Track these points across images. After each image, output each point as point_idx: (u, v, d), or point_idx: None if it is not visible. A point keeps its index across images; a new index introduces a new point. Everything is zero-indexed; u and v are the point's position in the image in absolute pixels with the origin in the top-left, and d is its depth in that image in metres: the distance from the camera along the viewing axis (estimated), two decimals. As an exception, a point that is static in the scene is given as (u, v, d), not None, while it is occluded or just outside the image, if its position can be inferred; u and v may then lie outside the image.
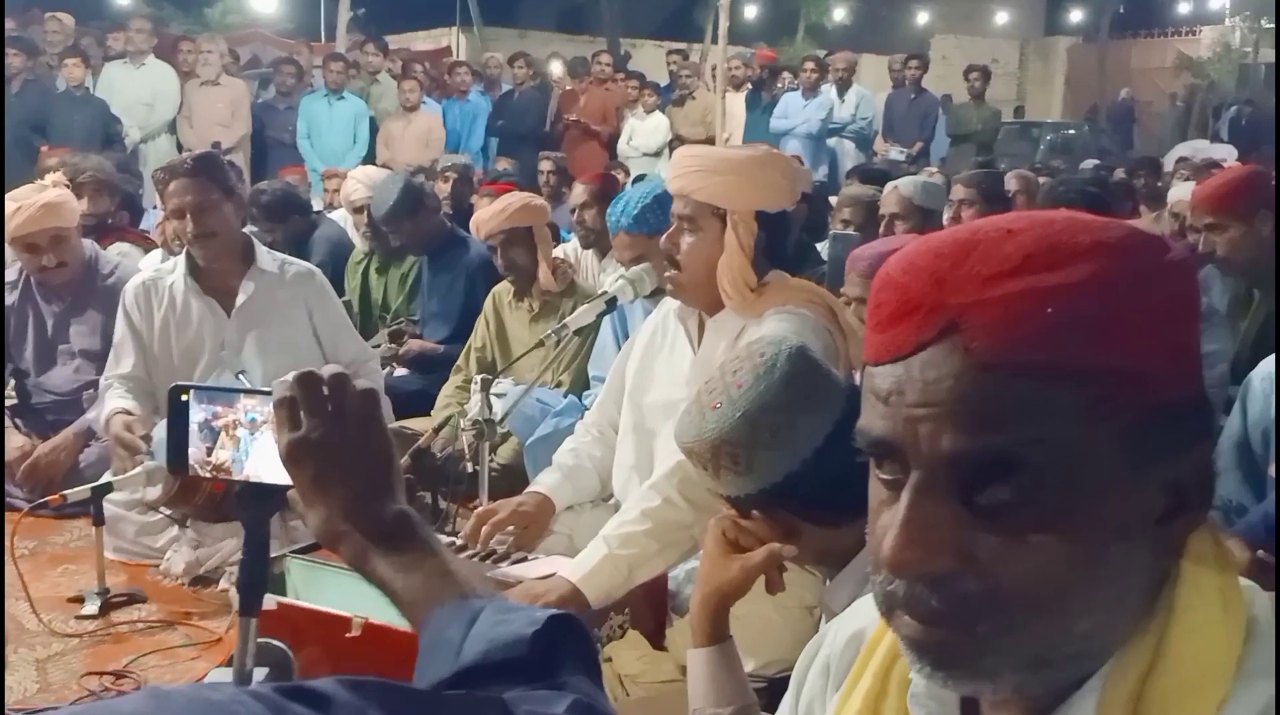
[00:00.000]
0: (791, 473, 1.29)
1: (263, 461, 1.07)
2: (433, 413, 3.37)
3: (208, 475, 1.10)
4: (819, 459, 1.29)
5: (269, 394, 1.00)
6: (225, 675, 1.17)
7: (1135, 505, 0.67)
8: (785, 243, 2.22)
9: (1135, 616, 0.70)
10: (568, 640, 0.84)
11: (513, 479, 2.88)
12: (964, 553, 0.67)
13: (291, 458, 0.94)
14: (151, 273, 3.10)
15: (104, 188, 4.07)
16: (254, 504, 1.10)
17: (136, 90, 7.51)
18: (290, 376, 0.96)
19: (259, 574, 1.13)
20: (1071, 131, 14.32)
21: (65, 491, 2.58)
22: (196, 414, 1.10)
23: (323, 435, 0.94)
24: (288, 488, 0.98)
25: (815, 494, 1.29)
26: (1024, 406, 0.64)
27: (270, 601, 1.94)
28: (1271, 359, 2.23)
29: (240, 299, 2.97)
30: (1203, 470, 0.69)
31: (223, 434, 1.09)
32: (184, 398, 1.10)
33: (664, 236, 2.16)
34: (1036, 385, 0.64)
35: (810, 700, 0.95)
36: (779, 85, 9.02)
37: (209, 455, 1.10)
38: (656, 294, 2.44)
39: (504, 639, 0.81)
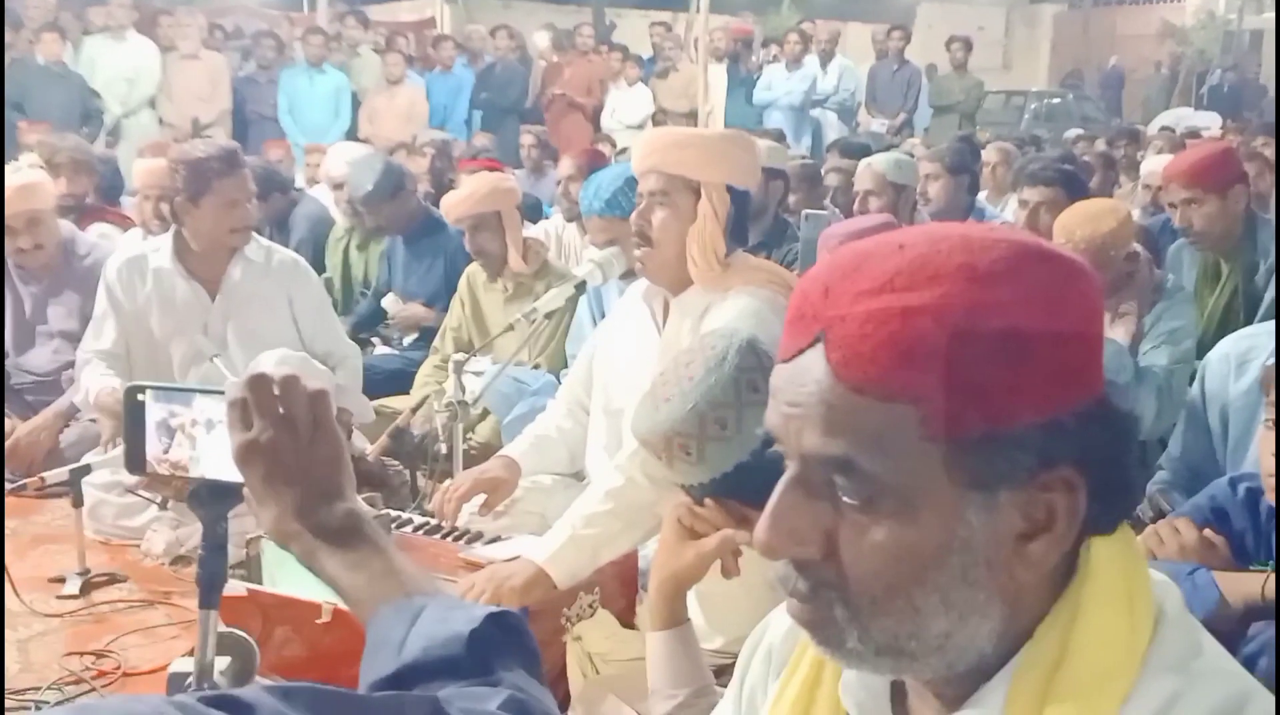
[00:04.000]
0: (742, 463, 1.33)
1: (218, 460, 1.09)
2: (411, 392, 3.39)
3: (165, 473, 1.13)
4: (767, 450, 1.32)
5: (223, 394, 1.02)
6: (188, 665, 1.20)
7: (982, 521, 0.70)
8: (748, 225, 2.26)
9: (1017, 618, 0.73)
10: (506, 637, 0.87)
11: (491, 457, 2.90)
12: (826, 543, 0.72)
13: (243, 458, 0.97)
14: (136, 250, 3.10)
15: (81, 167, 4.05)
16: (210, 501, 1.13)
17: (117, 65, 7.43)
18: (241, 378, 0.98)
19: (218, 568, 1.16)
20: (1056, 100, 14.26)
21: (44, 474, 2.59)
22: (154, 413, 1.12)
23: (272, 437, 0.96)
24: (243, 485, 1.00)
25: (765, 483, 1.31)
26: (861, 419, 0.69)
27: (240, 588, 1.97)
28: (1229, 340, 2.26)
29: (226, 284, 2.98)
30: (1074, 491, 0.71)
31: (179, 432, 1.12)
32: (140, 397, 1.12)
33: (635, 213, 2.19)
34: (873, 400, 0.68)
35: (753, 687, 0.99)
36: (753, 59, 8.97)
37: (166, 453, 1.12)
38: (629, 276, 2.46)
39: (443, 637, 0.84)
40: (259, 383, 0.97)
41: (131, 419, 1.13)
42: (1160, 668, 0.71)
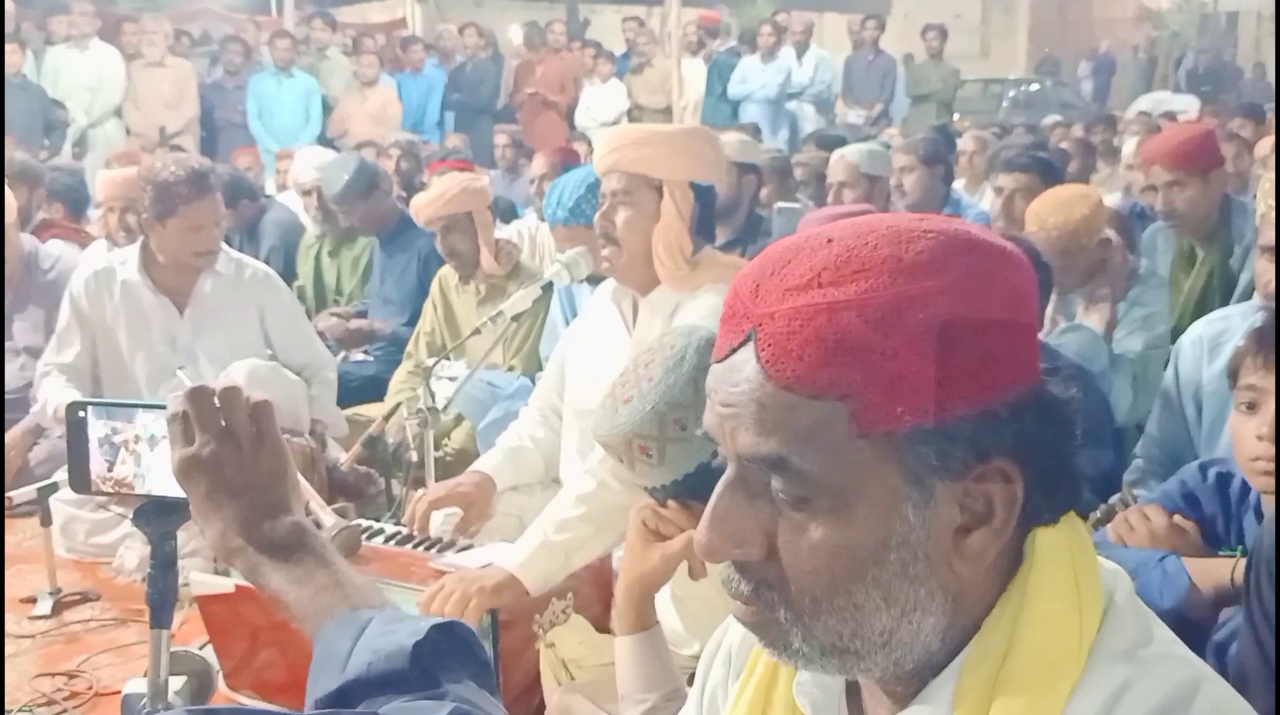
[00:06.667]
0: (703, 463, 1.31)
1: (163, 476, 1.07)
2: (385, 399, 3.36)
3: (110, 491, 1.10)
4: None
5: (165, 408, 0.99)
6: (144, 686, 1.17)
7: (920, 516, 0.69)
8: (714, 220, 2.24)
9: (962, 612, 0.72)
10: (454, 648, 0.85)
11: (468, 464, 2.86)
12: (767, 543, 0.71)
13: (184, 473, 0.95)
14: (102, 263, 3.06)
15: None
16: (157, 519, 1.10)
17: (81, 75, 7.37)
18: (182, 391, 0.96)
19: (167, 587, 1.14)
20: (1034, 87, 14.29)
21: (11, 492, 2.56)
22: (96, 430, 1.10)
23: (214, 451, 0.94)
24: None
25: (728, 483, 1.30)
26: (792, 416, 0.68)
27: (228, 585, 1.95)
28: (1201, 323, 2.26)
29: (195, 298, 2.96)
30: (1010, 482, 0.70)
31: (123, 449, 1.09)
32: (81, 415, 1.09)
33: (598, 214, 2.16)
34: (803, 398, 0.67)
35: (714, 690, 0.98)
36: (712, 44, 8.92)
37: (110, 471, 1.10)
38: (596, 279, 2.44)
39: (386, 650, 0.83)
40: (199, 396, 0.95)
41: (74, 436, 1.10)
42: (1109, 657, 0.70)
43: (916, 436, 0.67)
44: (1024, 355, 0.71)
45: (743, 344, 0.70)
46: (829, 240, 0.70)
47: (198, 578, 1.90)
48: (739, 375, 0.70)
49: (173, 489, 1.04)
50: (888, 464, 0.68)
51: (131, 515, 1.12)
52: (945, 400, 0.67)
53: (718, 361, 0.72)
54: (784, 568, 0.71)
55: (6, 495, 2.55)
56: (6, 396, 3.30)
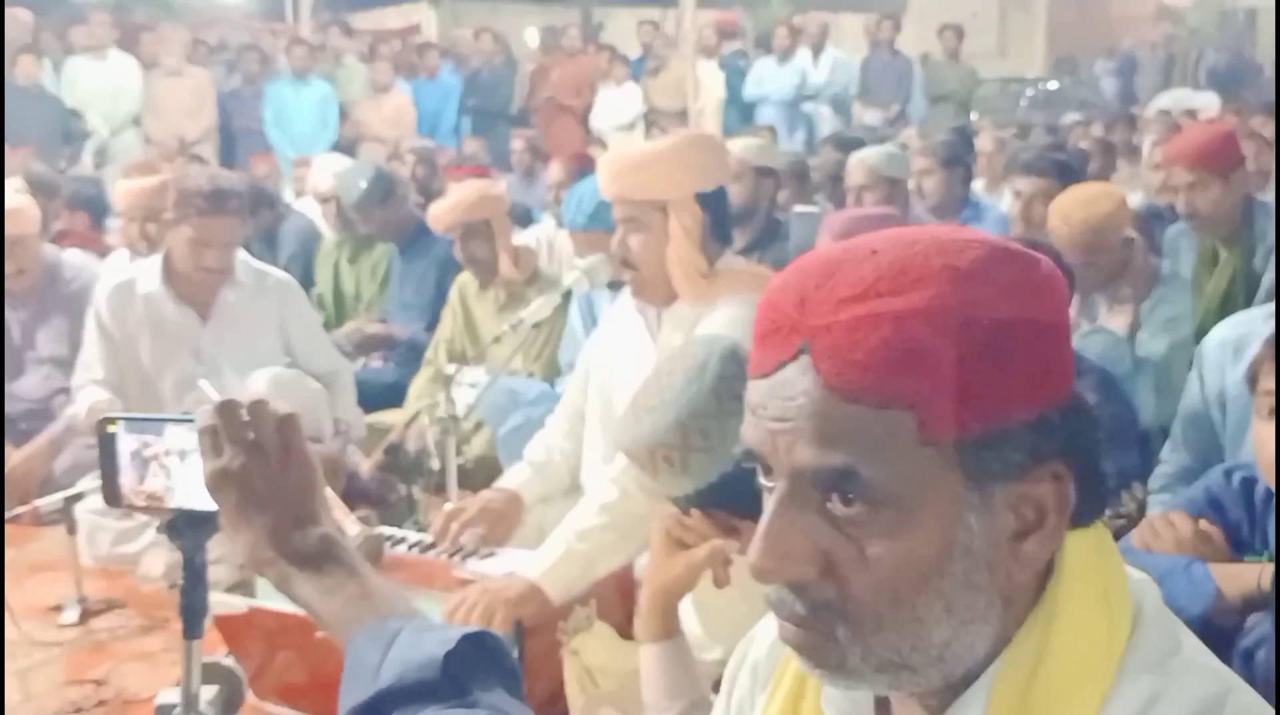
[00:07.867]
0: (726, 473, 1.31)
1: (194, 489, 1.08)
2: (405, 406, 3.38)
3: (141, 504, 1.12)
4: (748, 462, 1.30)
5: (194, 422, 1.00)
6: (176, 695, 1.19)
7: (981, 523, 0.69)
8: (728, 224, 2.22)
9: (1007, 621, 0.72)
10: (483, 657, 0.86)
11: (489, 471, 2.88)
12: (823, 561, 0.70)
13: (214, 486, 0.96)
14: (124, 276, 3.09)
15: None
16: (188, 531, 1.12)
17: (100, 84, 7.42)
18: (210, 405, 0.97)
19: (199, 598, 1.15)
20: (1053, 85, 14.20)
21: (37, 501, 2.59)
22: (126, 444, 1.11)
23: (243, 464, 0.95)
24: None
25: (751, 493, 1.29)
26: (859, 427, 0.67)
27: (241, 605, 1.97)
28: (1224, 325, 2.24)
29: (217, 308, 2.98)
30: (1062, 485, 0.71)
31: (153, 463, 1.10)
32: (111, 429, 1.11)
33: (614, 241, 2.16)
34: (870, 407, 0.67)
35: (740, 701, 0.98)
36: (723, 45, 8.91)
37: (141, 484, 1.11)
38: (615, 284, 2.44)
39: (417, 660, 0.83)
40: (228, 409, 0.96)
41: (104, 451, 1.11)
42: (1138, 668, 0.70)
43: (980, 443, 0.67)
44: (1067, 359, 0.72)
45: (794, 357, 0.69)
46: (874, 251, 0.69)
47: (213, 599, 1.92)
48: (794, 388, 0.69)
49: (203, 502, 1.05)
50: (951, 471, 0.68)
51: (163, 526, 1.13)
52: (1008, 405, 0.67)
53: (761, 376, 0.71)
54: (845, 584, 0.69)
55: (34, 503, 2.58)
56: (32, 406, 3.35)
